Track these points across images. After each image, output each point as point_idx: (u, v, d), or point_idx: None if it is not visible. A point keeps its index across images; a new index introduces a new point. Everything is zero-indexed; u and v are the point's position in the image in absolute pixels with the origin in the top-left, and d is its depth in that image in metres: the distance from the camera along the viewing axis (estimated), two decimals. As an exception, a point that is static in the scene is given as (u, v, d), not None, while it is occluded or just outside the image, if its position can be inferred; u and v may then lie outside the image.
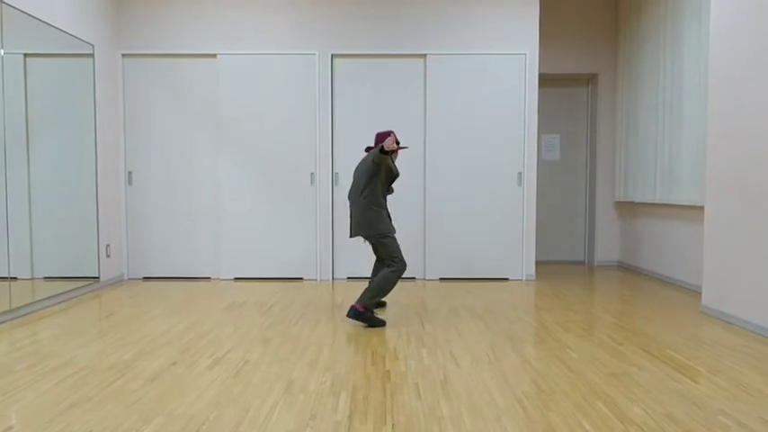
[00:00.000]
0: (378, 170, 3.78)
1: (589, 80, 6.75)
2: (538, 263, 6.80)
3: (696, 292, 4.95)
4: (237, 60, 5.55)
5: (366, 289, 3.80)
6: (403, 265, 3.81)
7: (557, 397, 2.52)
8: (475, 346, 3.31)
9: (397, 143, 3.87)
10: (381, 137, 3.94)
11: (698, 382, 2.71)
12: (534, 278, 5.65)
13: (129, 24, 5.55)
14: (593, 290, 5.12)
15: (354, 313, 3.75)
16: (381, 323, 3.78)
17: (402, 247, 5.64)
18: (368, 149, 4.06)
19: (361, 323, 3.80)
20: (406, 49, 5.55)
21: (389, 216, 3.98)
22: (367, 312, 3.77)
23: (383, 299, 4.39)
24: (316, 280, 5.62)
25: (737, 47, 3.79)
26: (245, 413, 2.34)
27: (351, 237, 3.89)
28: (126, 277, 5.68)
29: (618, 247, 6.64)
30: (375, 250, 4.01)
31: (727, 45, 3.90)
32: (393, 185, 4.07)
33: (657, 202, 5.53)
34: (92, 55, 5.07)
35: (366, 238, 3.82)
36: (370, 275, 4.23)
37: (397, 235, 5.64)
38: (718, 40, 4.00)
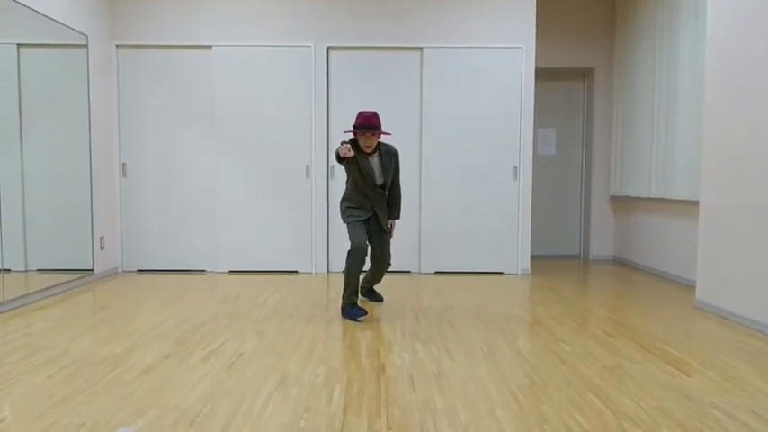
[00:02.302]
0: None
1: (585, 75, 6.74)
2: (533, 257, 6.81)
3: (690, 287, 4.97)
4: (233, 52, 5.52)
5: None
6: (351, 247, 3.75)
7: (550, 390, 2.52)
8: (469, 340, 3.32)
9: (354, 144, 3.74)
10: (364, 119, 3.69)
11: (690, 375, 2.73)
12: (529, 272, 5.66)
13: (123, 15, 5.50)
14: (587, 284, 5.14)
15: (341, 312, 3.89)
16: (362, 312, 3.78)
17: (397, 241, 5.64)
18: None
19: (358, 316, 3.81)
20: (402, 41, 5.53)
21: (365, 206, 3.86)
22: (346, 308, 3.83)
23: (380, 294, 4.39)
24: (311, 273, 5.61)
25: (735, 45, 3.79)
26: (240, 406, 2.33)
27: None
28: (120, 270, 5.66)
29: (613, 242, 6.66)
30: None
31: (725, 43, 3.90)
32: (379, 183, 3.88)
33: (652, 197, 5.54)
34: (86, 46, 5.03)
35: None
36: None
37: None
38: (716, 38, 3.99)
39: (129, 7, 5.50)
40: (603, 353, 3.07)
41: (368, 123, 3.69)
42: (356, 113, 5.56)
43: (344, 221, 3.90)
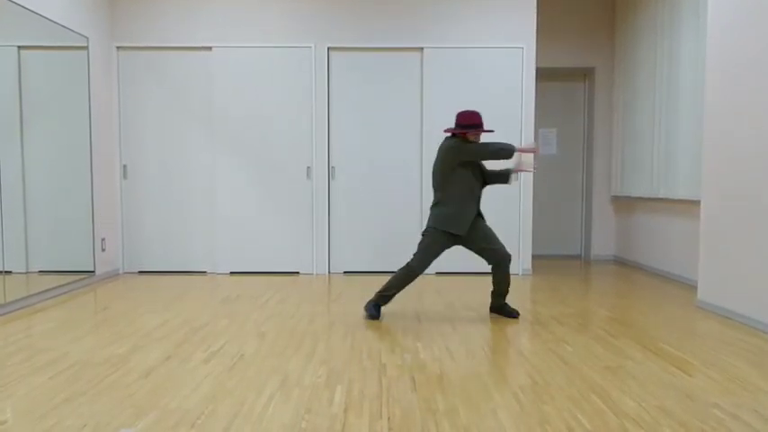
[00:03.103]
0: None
1: (586, 74, 6.74)
2: (534, 257, 6.81)
3: (692, 287, 4.97)
4: (233, 53, 5.52)
5: (388, 282, 3.82)
6: (415, 269, 3.70)
7: (552, 390, 2.52)
8: (470, 340, 3.31)
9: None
10: (470, 117, 3.65)
11: (692, 375, 2.72)
12: (530, 272, 5.65)
13: (123, 17, 5.51)
14: (588, 284, 5.13)
15: (371, 307, 3.85)
16: (373, 317, 3.81)
17: (399, 241, 5.63)
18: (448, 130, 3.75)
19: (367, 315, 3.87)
20: (402, 42, 5.53)
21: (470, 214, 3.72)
22: (370, 305, 3.84)
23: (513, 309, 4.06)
24: (312, 274, 5.61)
25: (735, 44, 3.79)
26: (241, 407, 2.33)
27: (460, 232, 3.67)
28: (121, 271, 5.66)
29: (614, 242, 6.65)
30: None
31: (725, 42, 3.89)
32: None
33: (654, 196, 5.53)
34: (86, 47, 5.03)
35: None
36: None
37: (394, 229, 5.63)
38: (716, 37, 3.99)
39: (129, 9, 5.50)
40: (605, 353, 3.07)
41: None
42: (359, 118, 5.55)
43: (435, 228, 3.68)
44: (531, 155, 3.59)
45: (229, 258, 5.62)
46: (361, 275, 5.54)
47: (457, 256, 5.61)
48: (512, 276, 5.50)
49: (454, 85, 5.54)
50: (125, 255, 5.66)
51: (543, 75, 6.71)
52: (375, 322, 3.73)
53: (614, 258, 6.65)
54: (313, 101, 5.54)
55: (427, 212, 5.59)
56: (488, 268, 5.61)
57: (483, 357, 2.99)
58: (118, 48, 5.53)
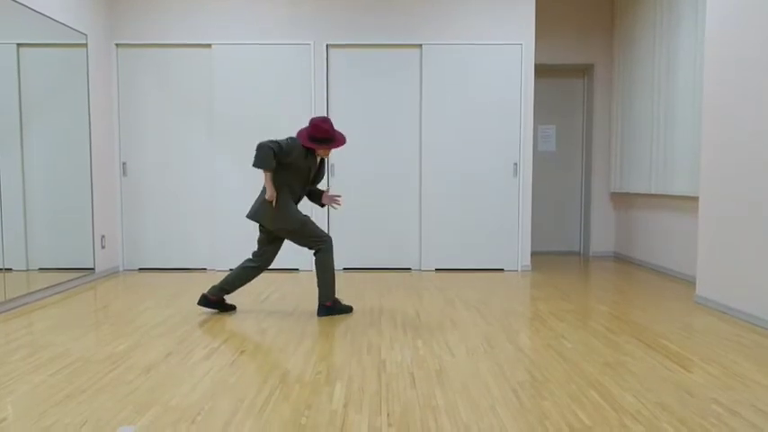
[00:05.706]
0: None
1: (585, 71, 6.73)
2: (533, 253, 6.82)
3: (691, 283, 4.98)
4: (232, 50, 5.52)
5: (318, 284, 3.77)
6: (329, 242, 3.79)
7: (551, 386, 2.53)
8: (470, 337, 3.32)
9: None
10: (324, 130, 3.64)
11: (691, 371, 2.73)
12: (530, 269, 5.66)
13: (123, 14, 5.50)
14: (587, 280, 5.14)
15: (326, 311, 3.79)
16: (349, 309, 3.88)
17: (398, 238, 5.65)
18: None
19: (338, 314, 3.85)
20: (401, 39, 5.52)
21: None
22: (336, 305, 3.83)
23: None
24: (311, 271, 5.62)
25: (734, 39, 3.79)
26: (241, 403, 2.34)
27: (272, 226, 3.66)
28: (121, 268, 5.67)
29: (613, 238, 6.66)
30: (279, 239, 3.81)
31: (724, 37, 3.89)
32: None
33: (652, 192, 5.54)
34: (85, 45, 5.03)
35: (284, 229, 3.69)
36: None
37: (393, 226, 5.65)
38: (714, 32, 3.99)
39: (129, 6, 5.50)
40: (604, 349, 3.08)
41: None
42: (359, 114, 5.55)
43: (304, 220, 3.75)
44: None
45: (229, 255, 5.63)
46: (361, 272, 5.55)
47: (457, 252, 5.62)
48: (511, 272, 5.51)
49: (453, 82, 5.53)
50: (125, 252, 5.66)
51: (542, 71, 6.71)
52: (375, 319, 3.74)
53: (613, 254, 6.66)
54: (312, 98, 5.54)
55: (427, 208, 5.59)
56: (488, 264, 5.63)
57: (482, 353, 3.00)
58: (117, 45, 5.52)
